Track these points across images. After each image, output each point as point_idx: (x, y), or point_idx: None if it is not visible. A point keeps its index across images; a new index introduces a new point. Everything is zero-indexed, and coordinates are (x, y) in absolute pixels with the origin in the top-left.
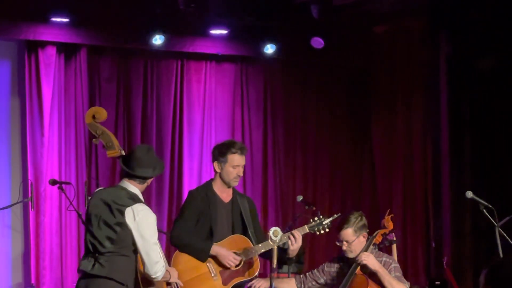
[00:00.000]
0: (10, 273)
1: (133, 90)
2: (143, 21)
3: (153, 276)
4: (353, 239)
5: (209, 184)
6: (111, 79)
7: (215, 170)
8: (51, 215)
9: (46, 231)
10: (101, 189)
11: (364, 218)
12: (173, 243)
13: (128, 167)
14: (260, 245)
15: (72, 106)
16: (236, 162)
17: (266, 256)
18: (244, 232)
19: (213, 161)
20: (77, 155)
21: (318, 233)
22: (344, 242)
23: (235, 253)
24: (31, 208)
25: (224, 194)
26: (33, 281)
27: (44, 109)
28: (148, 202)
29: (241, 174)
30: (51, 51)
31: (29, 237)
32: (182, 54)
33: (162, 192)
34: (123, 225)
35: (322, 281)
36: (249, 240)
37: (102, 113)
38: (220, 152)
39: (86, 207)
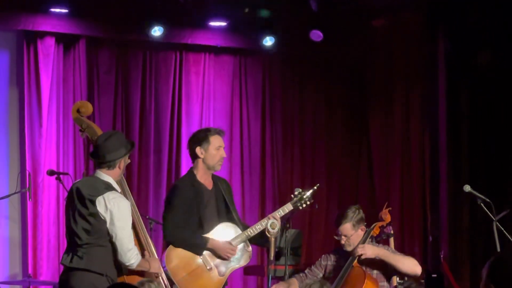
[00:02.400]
0: (7, 264)
1: (131, 81)
2: (142, 12)
3: (127, 264)
4: (352, 233)
5: (192, 173)
6: (109, 70)
7: (196, 157)
8: (48, 205)
9: (43, 221)
10: (76, 181)
11: (361, 211)
12: (167, 240)
13: (96, 157)
14: (249, 230)
15: (71, 97)
16: (218, 143)
17: (257, 242)
18: (228, 217)
19: (193, 149)
20: (75, 146)
21: (301, 207)
22: (343, 237)
23: (229, 243)
24: (29, 198)
25: (207, 182)
26: (30, 271)
27: (42, 99)
28: (146, 194)
29: (225, 156)
30: (50, 41)
31: (27, 228)
32: (181, 46)
33: (160, 184)
34: (97, 215)
35: (320, 275)
36: (237, 226)
37: (87, 107)
38: (200, 137)
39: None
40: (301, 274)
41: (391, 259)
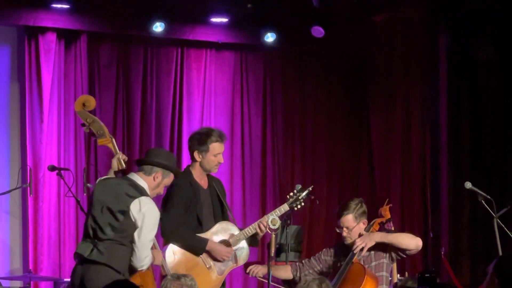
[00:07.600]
0: (8, 259)
1: (132, 77)
2: (143, 8)
3: (139, 268)
4: (354, 225)
5: (188, 172)
6: (111, 65)
7: (194, 159)
8: (49, 201)
9: (44, 217)
10: (107, 177)
11: (364, 205)
12: (166, 237)
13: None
14: (246, 229)
15: (72, 92)
16: (217, 150)
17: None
18: (223, 217)
19: (192, 151)
20: (76, 142)
21: (295, 208)
22: (344, 228)
23: (225, 242)
24: (30, 194)
25: (203, 181)
26: (31, 267)
27: (43, 95)
28: None
29: (222, 161)
30: (51, 37)
31: (28, 223)
32: (182, 42)
33: None
34: (127, 214)
35: (318, 268)
36: (235, 226)
37: (92, 101)
38: (200, 141)
39: (88, 193)
40: (297, 263)
41: (389, 237)
